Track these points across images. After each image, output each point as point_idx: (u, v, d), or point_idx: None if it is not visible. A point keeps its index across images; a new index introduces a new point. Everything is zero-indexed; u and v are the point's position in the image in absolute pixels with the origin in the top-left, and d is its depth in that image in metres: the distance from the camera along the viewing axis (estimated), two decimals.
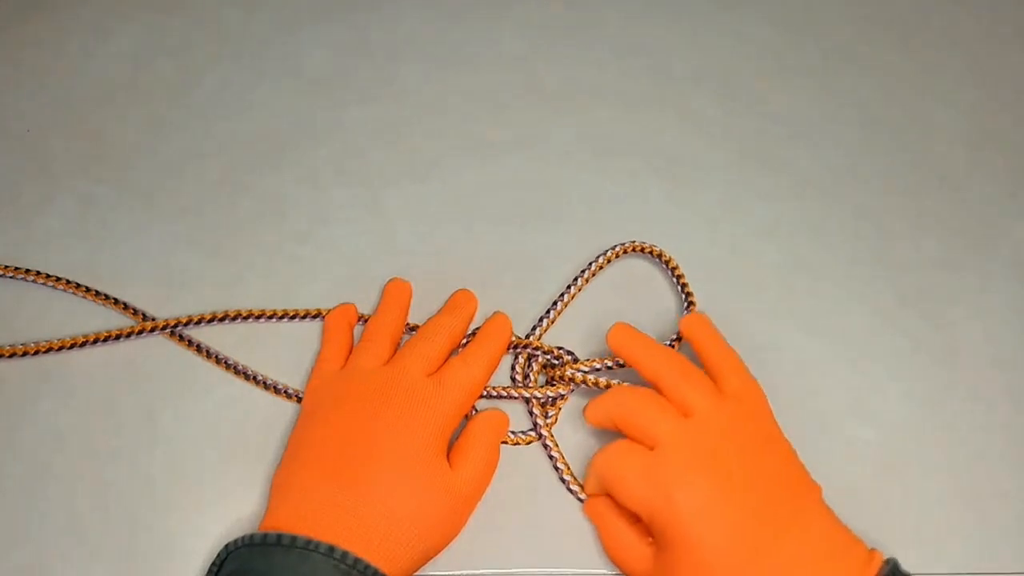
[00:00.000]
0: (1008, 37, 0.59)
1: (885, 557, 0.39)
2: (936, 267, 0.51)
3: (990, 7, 0.61)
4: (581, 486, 0.45)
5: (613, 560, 0.43)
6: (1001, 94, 0.57)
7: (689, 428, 0.41)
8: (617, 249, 0.50)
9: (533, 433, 0.46)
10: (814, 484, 0.41)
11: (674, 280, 0.50)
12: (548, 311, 0.49)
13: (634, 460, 0.41)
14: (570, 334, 0.49)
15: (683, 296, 0.49)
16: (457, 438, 0.45)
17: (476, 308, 0.49)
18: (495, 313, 0.48)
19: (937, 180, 0.54)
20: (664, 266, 0.50)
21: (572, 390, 0.46)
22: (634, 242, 0.50)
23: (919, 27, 0.60)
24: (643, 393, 0.42)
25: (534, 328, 0.48)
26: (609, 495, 0.42)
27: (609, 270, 0.51)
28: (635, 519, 0.42)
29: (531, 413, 0.46)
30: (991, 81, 0.58)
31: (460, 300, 0.48)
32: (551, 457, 0.45)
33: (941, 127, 0.56)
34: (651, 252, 0.50)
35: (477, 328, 0.48)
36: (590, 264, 0.50)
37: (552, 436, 0.46)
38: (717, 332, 0.45)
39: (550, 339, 0.48)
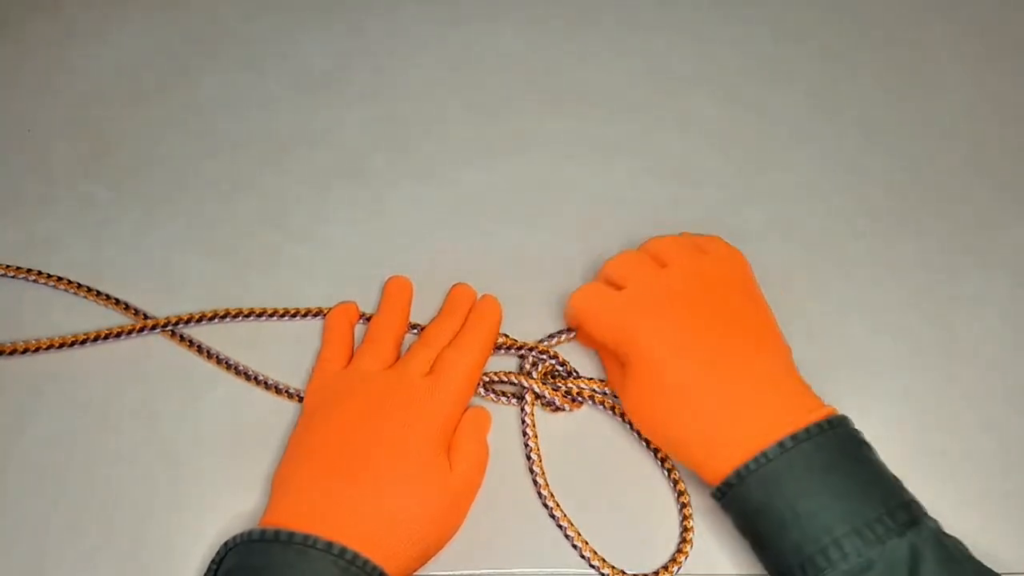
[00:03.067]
0: (1007, 38, 0.60)
1: (839, 413, 0.40)
2: (936, 267, 0.51)
3: (989, 9, 0.61)
4: (547, 484, 0.45)
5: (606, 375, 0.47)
6: (1001, 94, 0.57)
7: (661, 274, 0.43)
8: None
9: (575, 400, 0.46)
10: (784, 344, 0.43)
11: None
12: (561, 332, 0.48)
13: (603, 295, 0.44)
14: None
15: None
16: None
17: (475, 302, 0.49)
18: (483, 296, 0.48)
19: (937, 180, 0.54)
20: None
21: (571, 403, 0.46)
22: None
23: (919, 28, 0.60)
24: (630, 251, 0.46)
25: (551, 336, 0.48)
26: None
27: None
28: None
29: (523, 410, 0.46)
30: (990, 81, 0.58)
31: (459, 298, 0.49)
32: (527, 446, 0.45)
33: (941, 127, 0.56)
34: None
35: None
36: None
37: (535, 430, 0.46)
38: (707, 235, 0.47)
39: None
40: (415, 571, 0.41)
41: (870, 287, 0.50)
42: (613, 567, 0.43)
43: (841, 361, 0.48)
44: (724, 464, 0.39)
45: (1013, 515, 0.45)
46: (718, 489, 0.39)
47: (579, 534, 0.43)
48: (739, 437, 0.39)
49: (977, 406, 0.47)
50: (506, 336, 0.47)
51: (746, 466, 0.38)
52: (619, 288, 0.44)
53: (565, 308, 0.47)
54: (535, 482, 0.45)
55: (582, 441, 0.46)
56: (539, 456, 0.45)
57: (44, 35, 0.59)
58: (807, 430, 0.38)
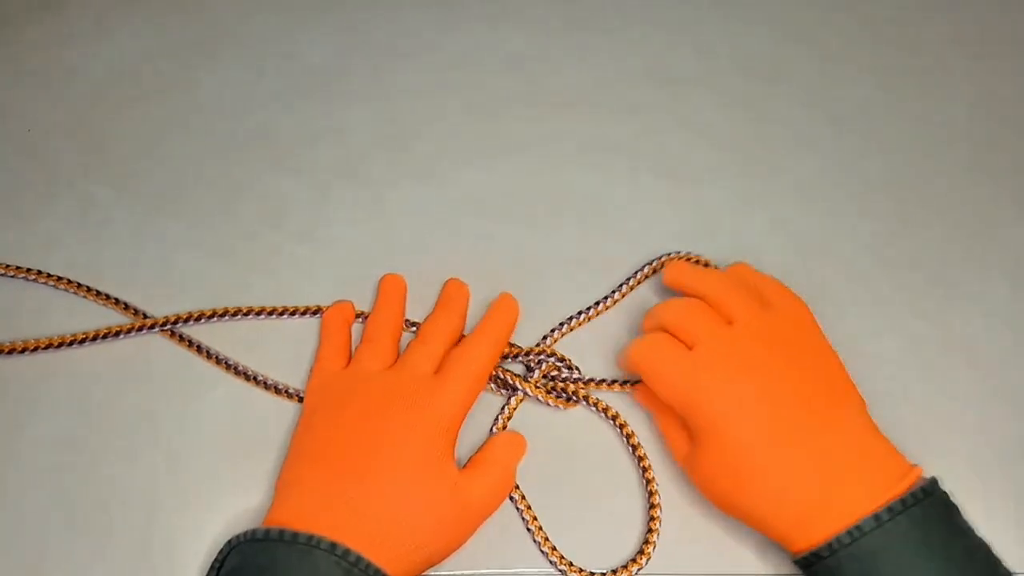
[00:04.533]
0: (1007, 37, 0.60)
1: (929, 477, 0.39)
2: (936, 267, 0.51)
3: (989, 9, 0.61)
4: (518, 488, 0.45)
5: (665, 443, 0.44)
6: (1001, 94, 0.57)
7: (729, 332, 0.41)
8: (661, 259, 0.50)
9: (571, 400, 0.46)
10: (859, 396, 0.42)
11: None
12: (571, 318, 0.48)
13: (672, 353, 0.41)
14: (573, 346, 0.49)
15: None
16: (478, 451, 0.45)
17: (469, 297, 0.49)
18: (501, 295, 0.48)
19: (937, 180, 0.54)
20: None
21: (565, 403, 0.46)
22: (675, 254, 0.50)
23: (918, 28, 0.60)
24: (690, 300, 0.43)
25: (552, 331, 0.48)
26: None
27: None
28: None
29: (508, 400, 0.46)
30: (990, 81, 0.58)
31: (452, 293, 0.49)
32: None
33: (941, 128, 0.56)
34: (705, 264, 0.50)
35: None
36: (628, 279, 0.50)
37: (506, 424, 0.46)
38: (757, 272, 0.46)
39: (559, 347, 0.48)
40: (417, 574, 0.41)
41: (870, 287, 0.50)
42: (571, 564, 0.43)
43: (841, 358, 0.48)
44: (812, 534, 0.38)
45: (1013, 515, 0.45)
46: (804, 558, 0.38)
47: (540, 528, 0.44)
48: (830, 507, 0.38)
49: (977, 406, 0.47)
50: (511, 345, 0.47)
51: (839, 539, 0.37)
52: (687, 344, 0.42)
53: (624, 357, 0.44)
54: None
55: (570, 439, 0.46)
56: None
57: (44, 35, 0.58)
58: (903, 500, 0.37)
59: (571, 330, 0.48)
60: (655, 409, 0.45)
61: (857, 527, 0.37)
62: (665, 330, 0.43)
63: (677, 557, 0.43)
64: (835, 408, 0.40)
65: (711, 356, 0.41)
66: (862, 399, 0.42)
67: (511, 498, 0.44)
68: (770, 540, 0.41)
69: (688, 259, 0.50)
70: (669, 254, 0.50)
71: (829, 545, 0.37)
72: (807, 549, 0.38)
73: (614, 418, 0.46)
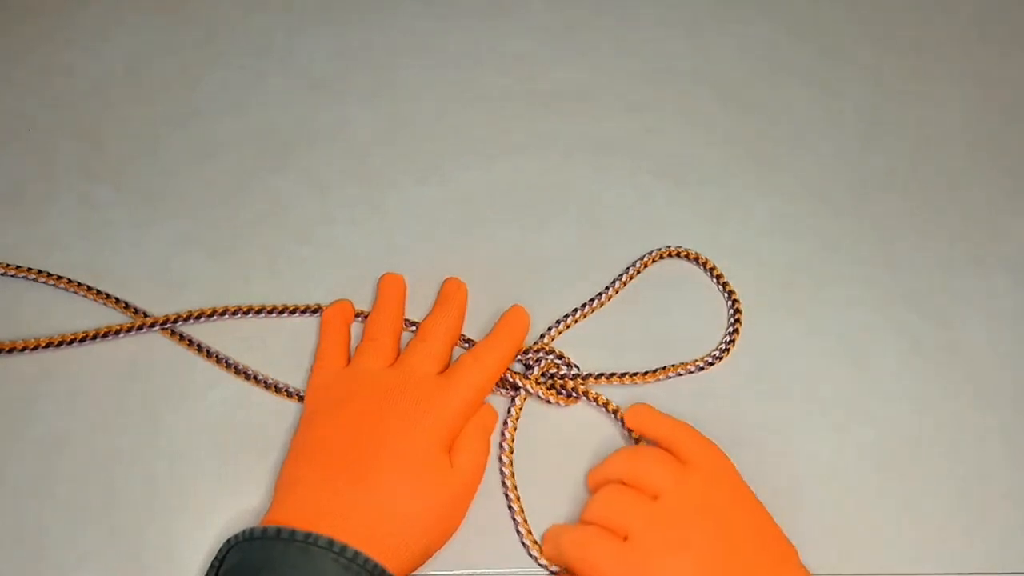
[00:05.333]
0: (1006, 38, 0.60)
1: None
2: (936, 267, 0.51)
3: (989, 9, 0.61)
4: (518, 500, 0.44)
5: None
6: (1000, 94, 0.57)
7: (658, 511, 0.40)
8: (653, 255, 0.50)
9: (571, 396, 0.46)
10: (791, 547, 0.41)
11: (718, 285, 0.50)
12: (567, 315, 0.49)
13: (608, 547, 0.40)
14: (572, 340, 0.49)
15: (729, 301, 0.49)
16: None
17: (467, 294, 0.49)
18: (512, 307, 0.48)
19: (937, 180, 0.54)
20: (709, 272, 0.50)
21: (565, 399, 0.46)
22: (669, 247, 0.51)
23: (918, 28, 0.60)
24: (611, 488, 0.42)
25: (549, 329, 0.48)
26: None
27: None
28: None
29: (512, 400, 0.46)
30: (990, 82, 0.58)
31: (451, 291, 0.49)
32: (503, 435, 0.46)
33: (941, 127, 0.56)
34: (692, 257, 0.50)
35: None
36: (621, 275, 0.50)
37: (516, 423, 0.46)
38: (660, 414, 0.45)
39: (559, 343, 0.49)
40: (416, 569, 0.41)
41: (870, 287, 0.50)
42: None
43: (841, 361, 0.48)
44: None
45: (1013, 515, 0.45)
46: None
47: (530, 531, 0.44)
48: None
49: (977, 405, 0.47)
50: None
51: None
52: (619, 534, 0.40)
53: (557, 552, 0.42)
54: (501, 472, 0.45)
55: (570, 435, 0.46)
56: (511, 448, 0.45)
57: (44, 35, 0.58)
58: None
59: (567, 327, 0.49)
60: None
61: None
62: (593, 523, 0.42)
63: None
64: (773, 567, 0.40)
65: (646, 541, 0.40)
66: (794, 548, 0.41)
67: (506, 495, 0.44)
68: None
69: (673, 252, 0.50)
70: (669, 246, 0.51)
71: None
72: None
73: (615, 412, 0.46)
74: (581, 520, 0.42)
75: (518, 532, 0.44)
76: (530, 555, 0.43)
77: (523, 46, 0.58)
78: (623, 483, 0.42)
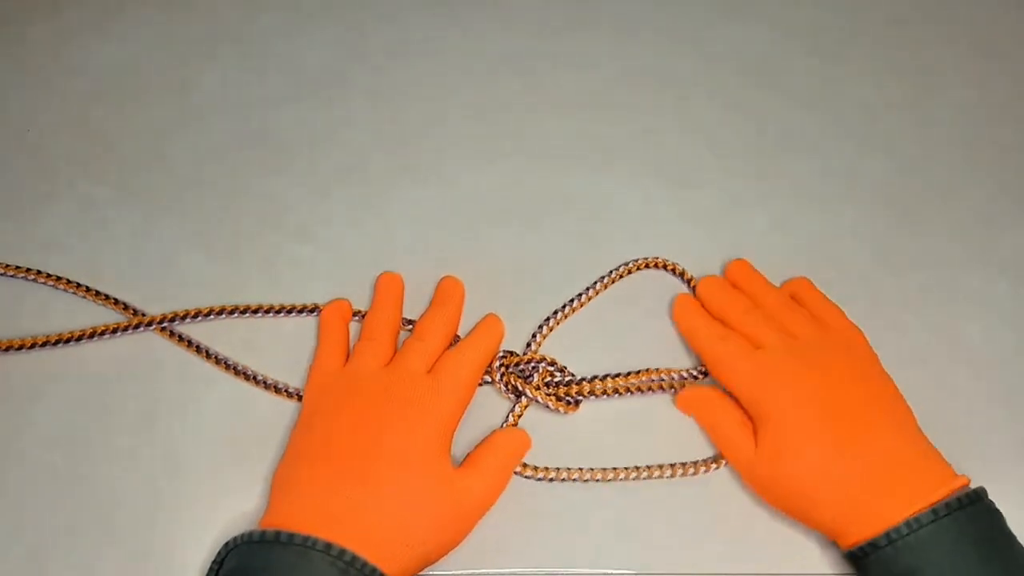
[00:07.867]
0: (1005, 38, 0.59)
1: (976, 486, 0.40)
2: (937, 267, 0.51)
3: (989, 9, 0.61)
4: None
5: (717, 445, 0.45)
6: (999, 95, 0.57)
7: (795, 344, 0.45)
8: (630, 265, 0.50)
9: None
10: (912, 414, 0.43)
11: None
12: (547, 320, 0.49)
13: (745, 348, 0.45)
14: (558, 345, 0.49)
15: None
16: (477, 446, 0.45)
17: (464, 293, 0.49)
18: (487, 315, 0.48)
19: (937, 181, 0.54)
20: (686, 284, 0.50)
21: (567, 407, 0.46)
22: (647, 258, 0.50)
23: (917, 29, 0.60)
24: (755, 310, 0.47)
25: (534, 335, 0.48)
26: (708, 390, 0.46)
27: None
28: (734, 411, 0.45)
29: (513, 408, 0.46)
30: (989, 82, 0.58)
31: (448, 290, 0.49)
32: None
33: (941, 127, 0.56)
34: (672, 269, 0.50)
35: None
36: (601, 278, 0.50)
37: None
38: (817, 292, 0.49)
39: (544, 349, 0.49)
40: (414, 574, 0.41)
41: (870, 287, 0.50)
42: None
43: None
44: (866, 527, 0.39)
45: (1013, 515, 0.44)
46: (860, 548, 0.39)
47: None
48: (885, 501, 0.40)
49: (977, 405, 0.47)
50: (508, 354, 0.47)
51: (897, 529, 0.38)
52: (753, 343, 0.45)
53: (700, 352, 0.46)
54: None
55: (572, 434, 0.46)
56: None
57: (44, 35, 0.59)
58: (958, 499, 0.39)
59: (551, 330, 0.48)
60: (708, 415, 0.46)
61: (915, 519, 0.38)
62: (729, 326, 0.46)
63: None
64: (891, 414, 0.43)
65: (779, 356, 0.44)
66: (913, 415, 0.43)
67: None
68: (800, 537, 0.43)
69: (658, 263, 0.50)
70: (647, 257, 0.51)
71: (887, 535, 0.38)
72: (863, 540, 0.39)
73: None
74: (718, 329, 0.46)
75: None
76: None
77: (523, 46, 0.58)
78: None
